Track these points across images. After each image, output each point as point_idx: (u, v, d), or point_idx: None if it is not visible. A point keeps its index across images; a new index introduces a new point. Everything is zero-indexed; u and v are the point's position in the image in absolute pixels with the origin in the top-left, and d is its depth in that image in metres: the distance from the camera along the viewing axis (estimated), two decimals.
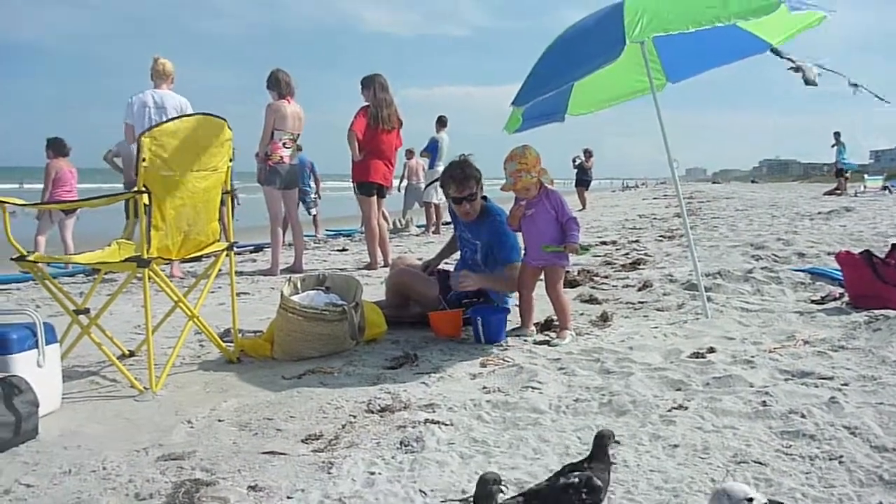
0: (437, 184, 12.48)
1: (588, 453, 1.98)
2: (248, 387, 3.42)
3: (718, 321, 4.45)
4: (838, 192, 22.61)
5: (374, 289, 5.83)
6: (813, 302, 4.89)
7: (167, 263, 4.92)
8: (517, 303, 4.44)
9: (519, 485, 2.15)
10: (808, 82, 4.69)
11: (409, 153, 14.52)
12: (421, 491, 2.18)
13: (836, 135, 23.26)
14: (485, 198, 4.55)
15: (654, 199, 27.80)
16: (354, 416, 2.91)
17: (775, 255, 6.86)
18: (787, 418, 2.66)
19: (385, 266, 7.61)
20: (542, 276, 4.31)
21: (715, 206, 18.10)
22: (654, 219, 14.65)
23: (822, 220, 11.18)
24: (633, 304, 5.20)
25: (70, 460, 2.52)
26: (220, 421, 2.92)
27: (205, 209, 3.72)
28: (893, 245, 4.69)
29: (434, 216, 13.59)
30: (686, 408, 2.83)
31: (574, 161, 21.47)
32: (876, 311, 4.18)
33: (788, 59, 4.71)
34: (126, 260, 3.44)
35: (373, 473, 2.31)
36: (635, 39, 3.96)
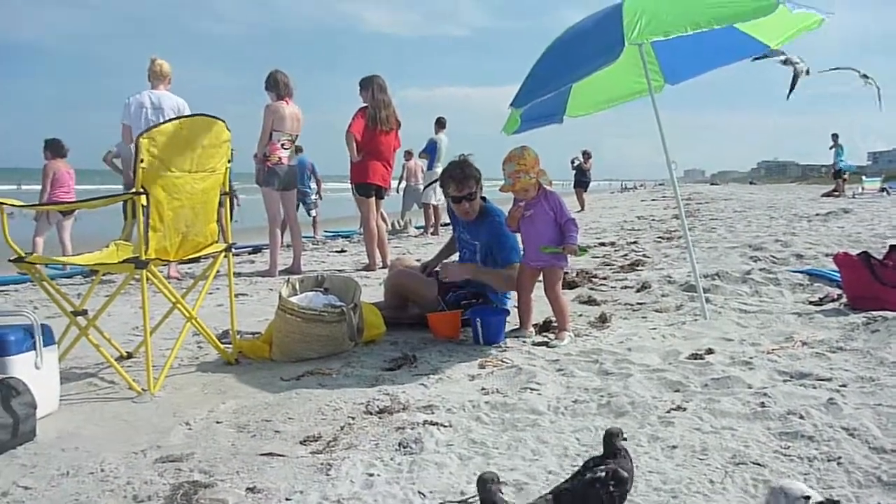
0: (436, 185, 12.50)
1: (601, 453, 1.98)
2: (247, 388, 3.42)
3: (717, 322, 4.46)
4: (836, 193, 22.64)
5: (372, 290, 5.83)
6: (811, 303, 4.90)
7: (165, 265, 4.91)
8: (516, 304, 4.44)
9: (517, 486, 2.16)
10: (797, 74, 4.71)
11: (408, 154, 14.53)
12: (420, 492, 2.17)
13: (835, 136, 23.31)
14: (484, 198, 4.55)
15: (653, 200, 27.84)
16: (353, 418, 2.91)
17: (773, 257, 6.86)
18: (785, 419, 2.66)
19: (384, 267, 7.61)
20: (541, 278, 4.31)
21: (713, 208, 18.13)
22: (653, 220, 14.67)
23: (820, 222, 11.19)
24: (632, 305, 5.20)
25: (68, 462, 2.51)
26: (218, 422, 2.92)
27: (203, 210, 3.71)
28: (891, 247, 4.70)
29: (433, 217, 13.59)
30: (684, 409, 2.83)
31: (573, 162, 21.50)
32: (874, 313, 4.19)
33: (779, 52, 4.73)
34: (124, 261, 3.43)
35: (371, 475, 2.31)
36: (634, 41, 3.97)
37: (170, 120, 3.59)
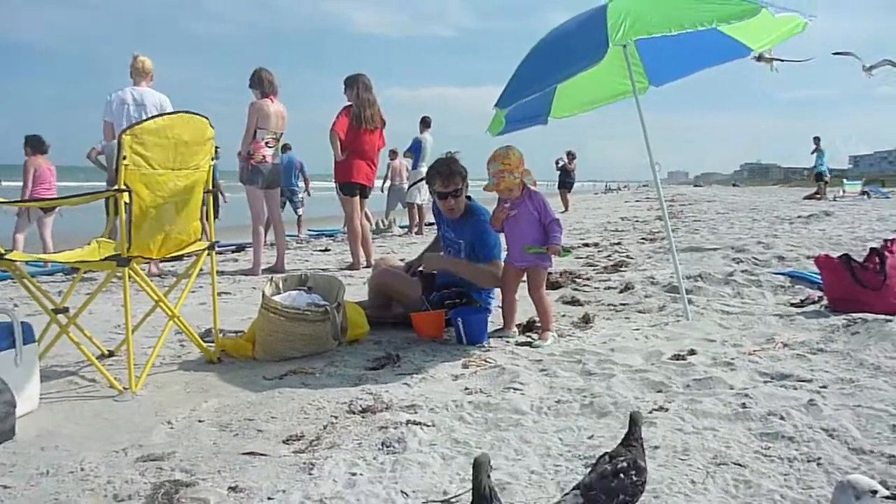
0: (421, 185, 12.50)
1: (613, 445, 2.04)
2: (229, 387, 3.40)
3: (699, 323, 4.48)
4: (818, 196, 22.85)
5: (356, 289, 5.82)
6: (792, 305, 4.93)
7: (147, 262, 4.88)
8: (499, 304, 4.44)
9: (500, 486, 2.16)
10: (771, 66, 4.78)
11: (393, 154, 14.51)
12: (402, 492, 2.17)
13: (816, 140, 23.55)
14: (469, 197, 4.55)
15: (637, 201, 27.96)
16: (336, 417, 2.90)
17: (755, 259, 6.91)
18: (766, 420, 2.68)
19: (367, 266, 7.59)
20: (525, 278, 4.32)
21: (696, 209, 18.23)
22: (636, 221, 14.73)
23: (801, 224, 11.28)
24: (615, 305, 5.22)
25: (48, 461, 2.49)
26: (200, 421, 2.90)
27: (186, 208, 3.69)
28: (872, 249, 4.74)
29: (417, 217, 13.58)
30: (666, 409, 2.85)
31: (557, 163, 21.55)
32: (854, 315, 4.23)
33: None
34: (106, 259, 3.41)
35: (354, 474, 2.30)
36: (618, 42, 3.99)
37: (153, 117, 3.57)
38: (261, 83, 7.35)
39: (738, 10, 4.00)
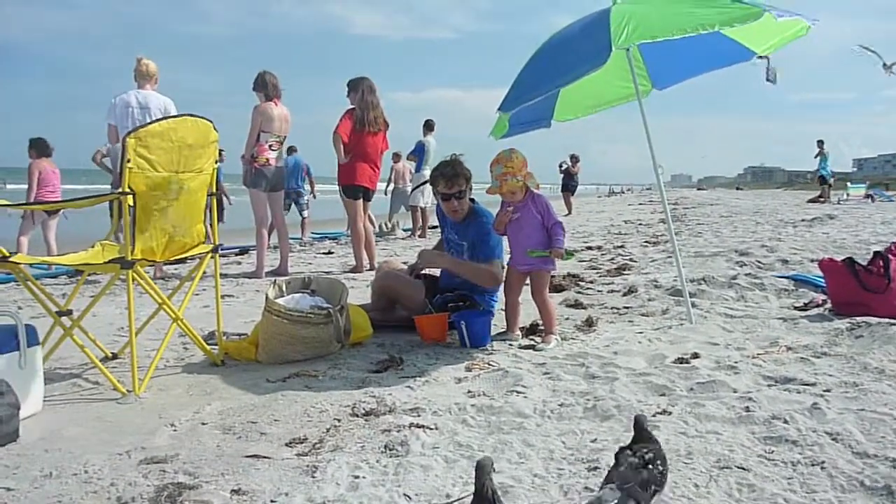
0: (424, 188, 12.50)
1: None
2: (232, 390, 3.41)
3: (702, 327, 4.47)
4: (822, 199, 22.82)
5: (359, 292, 5.82)
6: (796, 308, 4.92)
7: (151, 265, 4.89)
8: (503, 307, 4.44)
9: (503, 489, 2.15)
10: (769, 75, 4.78)
11: (396, 157, 14.51)
12: (405, 495, 2.17)
13: (820, 143, 23.51)
14: (472, 200, 4.55)
15: (640, 204, 27.96)
16: (339, 420, 2.90)
17: (759, 262, 6.90)
18: (769, 424, 2.67)
19: (371, 269, 7.60)
20: (528, 281, 4.32)
21: (700, 213, 18.22)
22: (640, 224, 14.73)
23: (805, 228, 11.27)
24: (618, 309, 5.21)
25: (51, 463, 2.49)
26: (203, 424, 2.91)
27: (190, 211, 3.70)
28: (876, 253, 4.73)
29: (420, 220, 13.57)
30: (670, 413, 2.85)
31: (560, 166, 21.55)
32: (858, 319, 4.22)
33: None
34: (110, 261, 3.41)
35: (357, 477, 2.30)
36: (621, 46, 3.98)
37: (157, 120, 3.58)
38: (265, 86, 7.37)
39: (741, 14, 4.00)
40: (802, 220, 12.76)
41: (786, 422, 2.67)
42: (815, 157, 23.65)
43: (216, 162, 3.86)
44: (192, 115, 3.65)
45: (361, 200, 7.90)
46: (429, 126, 13.17)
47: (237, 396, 3.29)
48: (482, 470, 1.75)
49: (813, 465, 2.31)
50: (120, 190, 3.29)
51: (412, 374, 3.59)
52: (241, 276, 7.54)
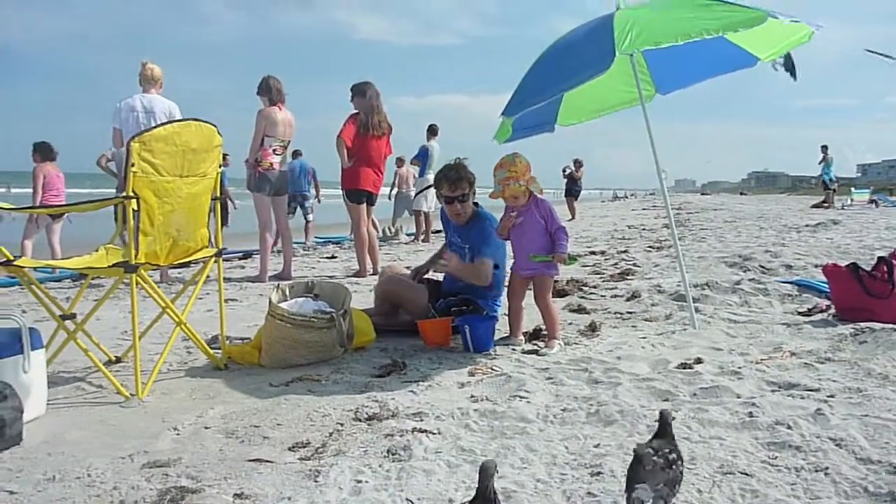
0: (427, 192, 12.51)
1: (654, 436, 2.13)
2: (235, 394, 3.41)
3: (706, 332, 4.47)
4: (826, 204, 22.79)
5: (362, 296, 5.82)
6: (800, 314, 4.92)
7: (155, 269, 4.89)
8: (506, 312, 4.44)
9: (506, 494, 2.15)
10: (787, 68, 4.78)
11: (400, 161, 14.52)
12: (408, 500, 2.17)
13: (824, 149, 23.47)
14: (476, 204, 4.55)
15: (644, 209, 27.94)
16: (342, 424, 2.90)
17: (763, 267, 6.90)
18: (773, 429, 2.67)
19: (374, 274, 7.60)
20: (531, 286, 4.32)
21: (703, 218, 18.20)
22: (643, 229, 14.71)
23: (809, 233, 11.25)
24: (622, 314, 5.21)
25: (54, 467, 2.50)
26: (206, 428, 2.91)
27: (194, 215, 3.70)
28: (880, 258, 4.72)
29: (424, 224, 13.58)
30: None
31: (564, 171, 21.54)
32: (862, 324, 4.21)
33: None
34: (114, 265, 3.42)
35: (360, 482, 2.30)
36: (625, 52, 3.98)
37: (162, 124, 3.58)
38: (269, 91, 7.39)
39: (745, 19, 4.00)
40: (806, 226, 12.75)
41: (789, 427, 2.66)
42: (819, 162, 23.61)
43: (220, 166, 3.87)
44: (196, 120, 3.66)
45: (365, 205, 7.91)
46: (432, 131, 13.18)
47: (240, 400, 3.30)
48: (486, 472, 1.75)
49: (816, 470, 2.30)
50: (124, 194, 3.30)
51: (415, 378, 3.59)
52: (245, 281, 7.55)
